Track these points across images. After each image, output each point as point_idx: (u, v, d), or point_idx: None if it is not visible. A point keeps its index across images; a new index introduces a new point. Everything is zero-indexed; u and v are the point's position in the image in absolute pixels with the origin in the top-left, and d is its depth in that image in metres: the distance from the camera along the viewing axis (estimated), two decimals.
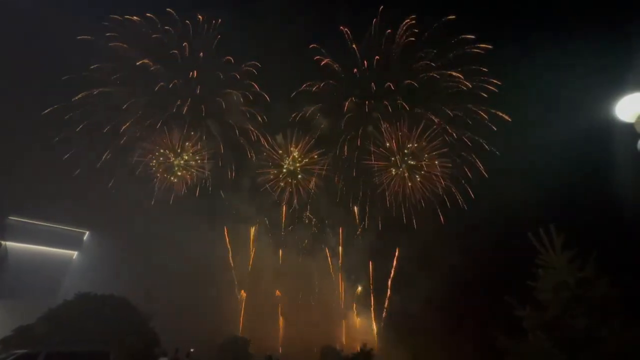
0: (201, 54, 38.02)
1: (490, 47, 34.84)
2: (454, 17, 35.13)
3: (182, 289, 35.35)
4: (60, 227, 39.41)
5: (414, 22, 37.29)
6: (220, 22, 37.99)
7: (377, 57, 38.46)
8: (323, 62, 38.70)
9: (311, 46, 38.29)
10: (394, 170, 40.45)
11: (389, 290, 40.15)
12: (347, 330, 40.65)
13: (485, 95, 36.13)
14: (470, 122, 37.15)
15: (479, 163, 37.31)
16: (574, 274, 8.65)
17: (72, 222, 39.55)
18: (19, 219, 36.55)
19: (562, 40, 30.58)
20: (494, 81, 35.37)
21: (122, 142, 37.74)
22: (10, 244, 35.52)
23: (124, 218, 36.31)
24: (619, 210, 23.89)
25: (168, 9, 37.17)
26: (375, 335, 40.30)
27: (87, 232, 41.27)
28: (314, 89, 39.13)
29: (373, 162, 40.42)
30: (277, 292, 40.70)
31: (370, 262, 41.37)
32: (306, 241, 41.87)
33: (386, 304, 40.30)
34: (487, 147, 36.69)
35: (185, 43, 37.69)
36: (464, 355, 29.24)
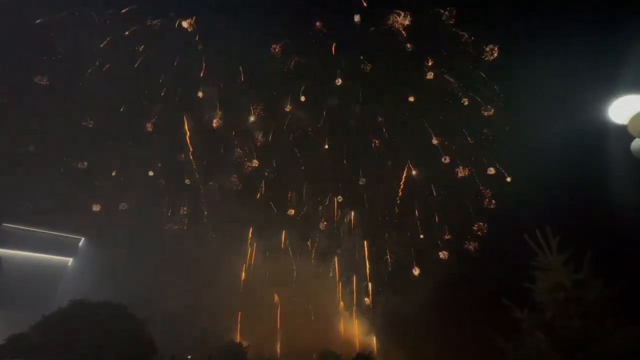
0: (176, 61, 36.49)
1: (491, 47, 34.44)
2: (443, 10, 34.50)
3: (179, 295, 35.03)
4: (56, 233, 38.98)
5: (399, 18, 36.44)
6: (194, 19, 35.96)
7: (361, 56, 37.85)
8: (298, 62, 37.67)
9: (277, 47, 36.60)
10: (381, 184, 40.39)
11: (382, 293, 40.07)
12: (346, 333, 40.42)
13: (479, 100, 36.23)
14: (464, 130, 37.14)
15: (471, 168, 37.25)
16: (570, 276, 8.71)
17: (68, 229, 39.16)
18: (14, 226, 36.12)
19: (554, 44, 30.91)
20: (482, 72, 35.12)
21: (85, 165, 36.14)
22: (4, 251, 35.07)
23: (120, 224, 36.07)
24: (613, 211, 24.07)
25: (132, 6, 34.17)
26: (374, 338, 40.11)
27: (83, 239, 40.86)
28: (288, 102, 38.27)
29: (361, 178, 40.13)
30: (275, 297, 40.47)
31: (367, 265, 41.31)
32: (314, 244, 41.67)
33: (382, 305, 40.22)
34: (481, 157, 36.59)
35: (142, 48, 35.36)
36: (462, 357, 29.17)
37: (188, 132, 38.30)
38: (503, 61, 33.15)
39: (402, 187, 40.00)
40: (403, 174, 40.14)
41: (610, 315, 7.68)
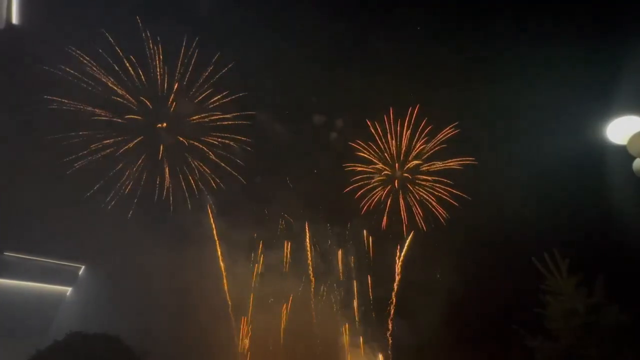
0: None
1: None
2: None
3: (180, 325, 34.05)
4: (56, 262, 38.52)
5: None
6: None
7: None
8: None
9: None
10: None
11: (389, 323, 38.25)
12: None
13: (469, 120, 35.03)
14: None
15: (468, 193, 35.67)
16: (583, 300, 8.37)
17: (68, 256, 38.71)
18: (14, 255, 35.81)
19: (550, 63, 31.61)
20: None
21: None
22: (3, 282, 34.57)
23: (121, 251, 35.69)
24: (619, 233, 23.64)
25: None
26: None
27: (83, 267, 40.28)
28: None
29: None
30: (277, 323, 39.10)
31: (370, 287, 39.59)
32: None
33: (389, 333, 38.47)
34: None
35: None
36: None
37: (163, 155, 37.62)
38: (497, 73, 33.05)
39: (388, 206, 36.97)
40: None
41: (628, 344, 7.28)
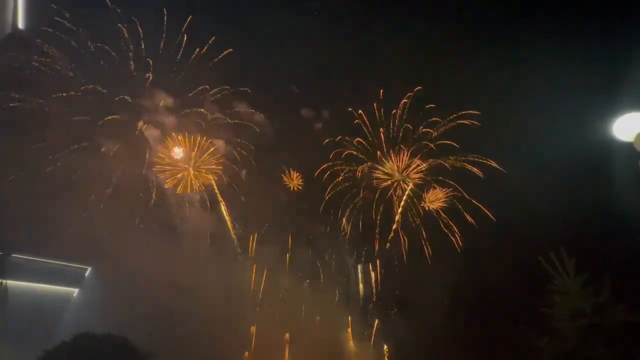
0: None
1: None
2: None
3: (186, 327, 34.16)
4: (63, 263, 38.88)
5: None
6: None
7: None
8: None
9: None
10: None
11: (393, 322, 37.85)
12: None
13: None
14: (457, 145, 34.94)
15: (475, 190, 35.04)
16: (590, 300, 8.31)
17: (75, 258, 39.04)
18: (21, 256, 36.20)
19: (556, 60, 31.26)
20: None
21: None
22: (12, 283, 34.92)
23: (128, 252, 35.91)
24: (627, 231, 23.35)
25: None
26: None
27: (90, 268, 40.60)
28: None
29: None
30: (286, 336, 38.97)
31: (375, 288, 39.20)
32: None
33: (392, 331, 38.01)
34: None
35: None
36: None
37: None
38: (502, 71, 32.61)
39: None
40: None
41: (636, 345, 7.19)
